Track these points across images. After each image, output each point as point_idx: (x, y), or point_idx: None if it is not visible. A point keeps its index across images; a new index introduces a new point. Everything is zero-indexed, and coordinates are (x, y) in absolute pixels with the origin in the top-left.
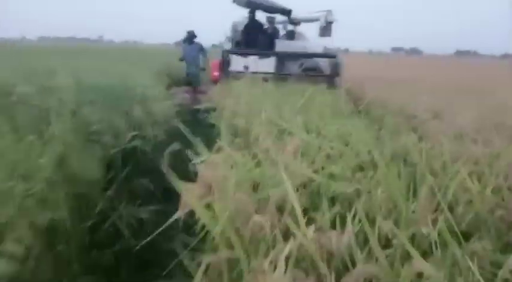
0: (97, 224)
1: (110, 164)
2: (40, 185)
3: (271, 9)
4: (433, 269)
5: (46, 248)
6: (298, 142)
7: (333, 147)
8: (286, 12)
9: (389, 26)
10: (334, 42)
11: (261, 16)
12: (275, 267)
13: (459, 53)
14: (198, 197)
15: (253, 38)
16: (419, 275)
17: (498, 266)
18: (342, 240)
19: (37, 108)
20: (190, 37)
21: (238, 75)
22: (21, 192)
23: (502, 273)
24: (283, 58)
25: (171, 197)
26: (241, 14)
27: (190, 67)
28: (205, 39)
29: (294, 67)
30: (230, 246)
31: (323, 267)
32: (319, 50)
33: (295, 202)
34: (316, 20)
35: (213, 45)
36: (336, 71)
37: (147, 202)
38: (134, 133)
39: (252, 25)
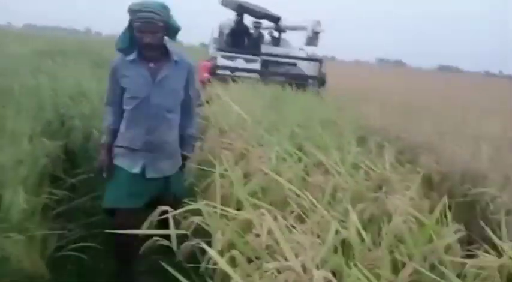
0: None
1: None
2: None
3: (260, 14)
4: None
5: None
6: None
7: None
8: (275, 19)
9: (376, 37)
10: (320, 50)
11: (246, 20)
12: None
13: (442, 68)
14: None
15: (239, 42)
16: None
17: None
18: None
19: None
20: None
21: (224, 76)
22: None
23: None
24: (268, 63)
25: None
26: (227, 15)
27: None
28: (193, 37)
29: (278, 72)
30: None
31: None
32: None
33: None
34: (303, 29)
35: (201, 44)
36: (321, 79)
37: None
38: None
39: (239, 28)
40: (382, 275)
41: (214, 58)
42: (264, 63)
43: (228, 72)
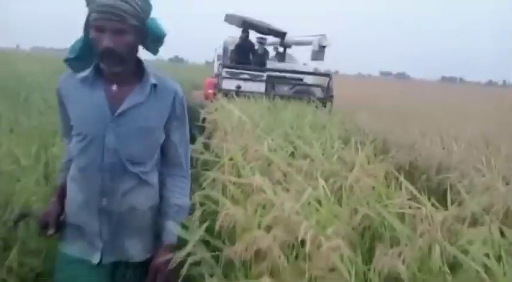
0: None
1: None
2: None
3: (266, 30)
4: None
5: None
6: None
7: None
8: (281, 34)
9: (379, 51)
10: (322, 64)
11: (251, 36)
12: None
13: (445, 79)
14: None
15: (244, 58)
16: None
17: None
18: None
19: None
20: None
21: (229, 93)
22: None
23: None
24: (274, 78)
25: None
26: (230, 33)
27: None
28: (198, 56)
29: (284, 88)
30: None
31: None
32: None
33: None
34: (309, 43)
35: (206, 62)
36: (328, 94)
37: None
38: None
39: (244, 45)
40: (341, 218)
41: (219, 74)
42: (270, 79)
43: (232, 88)
